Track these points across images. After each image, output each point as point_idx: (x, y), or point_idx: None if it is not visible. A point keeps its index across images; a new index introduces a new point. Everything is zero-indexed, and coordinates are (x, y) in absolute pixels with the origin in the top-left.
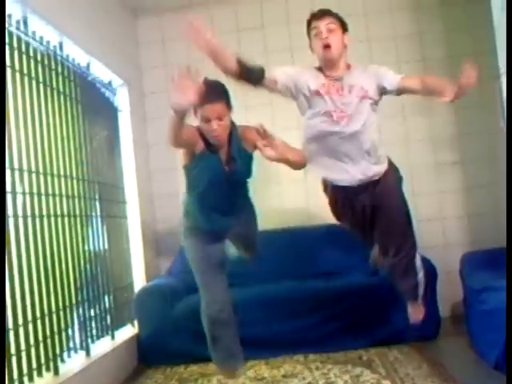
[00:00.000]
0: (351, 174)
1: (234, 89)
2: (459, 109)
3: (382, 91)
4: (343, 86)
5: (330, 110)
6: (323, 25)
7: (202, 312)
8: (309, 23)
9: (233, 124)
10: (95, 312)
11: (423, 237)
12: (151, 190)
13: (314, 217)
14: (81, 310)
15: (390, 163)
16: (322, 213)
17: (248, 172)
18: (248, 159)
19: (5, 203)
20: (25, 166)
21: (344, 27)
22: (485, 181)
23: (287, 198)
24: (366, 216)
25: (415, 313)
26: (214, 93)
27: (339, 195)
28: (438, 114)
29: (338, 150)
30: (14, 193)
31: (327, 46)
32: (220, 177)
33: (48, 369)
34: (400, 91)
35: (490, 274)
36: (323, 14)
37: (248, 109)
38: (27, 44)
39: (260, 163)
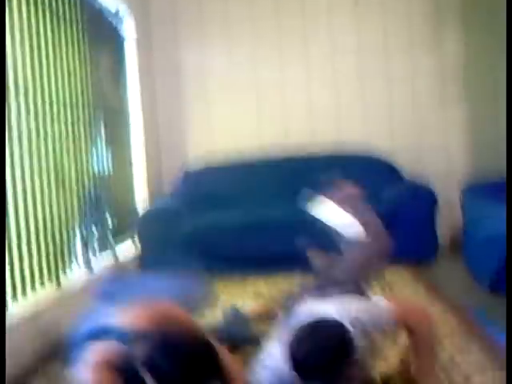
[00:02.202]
0: None
1: None
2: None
3: None
4: None
5: None
6: None
7: None
8: None
9: None
10: (98, 230)
11: (426, 165)
12: (156, 116)
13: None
14: (83, 228)
15: None
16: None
17: None
18: None
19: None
20: (30, 93)
21: None
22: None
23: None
24: None
25: None
26: None
27: None
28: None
29: None
30: (19, 116)
31: None
32: None
33: (50, 280)
34: None
35: (488, 204)
36: None
37: None
38: None
39: None
